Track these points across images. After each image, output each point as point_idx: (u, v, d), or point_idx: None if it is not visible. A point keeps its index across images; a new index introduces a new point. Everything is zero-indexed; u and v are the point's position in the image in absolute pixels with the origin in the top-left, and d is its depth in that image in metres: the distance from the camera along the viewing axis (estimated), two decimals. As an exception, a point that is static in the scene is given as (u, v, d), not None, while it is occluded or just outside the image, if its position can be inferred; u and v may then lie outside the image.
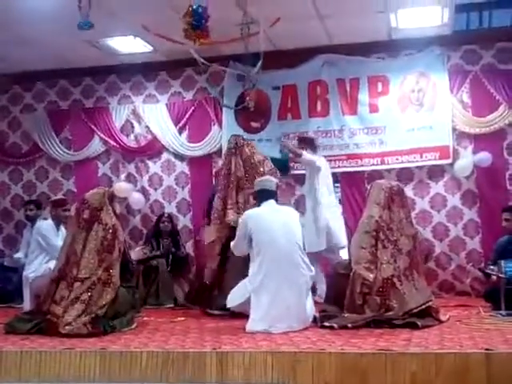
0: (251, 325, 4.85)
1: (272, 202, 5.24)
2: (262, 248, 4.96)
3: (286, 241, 4.99)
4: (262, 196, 5.27)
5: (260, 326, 4.79)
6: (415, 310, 4.96)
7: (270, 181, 5.44)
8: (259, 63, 6.45)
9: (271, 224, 5.05)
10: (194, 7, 5.71)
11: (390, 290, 5.01)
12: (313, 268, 5.18)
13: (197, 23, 5.56)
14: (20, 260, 7.30)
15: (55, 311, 4.90)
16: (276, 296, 4.84)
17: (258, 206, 5.28)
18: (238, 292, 5.12)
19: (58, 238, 6.51)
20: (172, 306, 6.95)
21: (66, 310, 4.85)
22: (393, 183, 5.66)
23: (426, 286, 5.37)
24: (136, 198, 8.32)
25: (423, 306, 5.02)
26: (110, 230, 5.12)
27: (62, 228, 6.72)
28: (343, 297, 5.13)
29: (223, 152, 7.44)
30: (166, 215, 7.83)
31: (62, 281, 5.02)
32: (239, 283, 5.15)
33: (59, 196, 7.81)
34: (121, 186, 8.29)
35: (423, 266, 5.41)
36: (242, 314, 5.17)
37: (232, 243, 5.37)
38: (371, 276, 5.05)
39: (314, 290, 5.62)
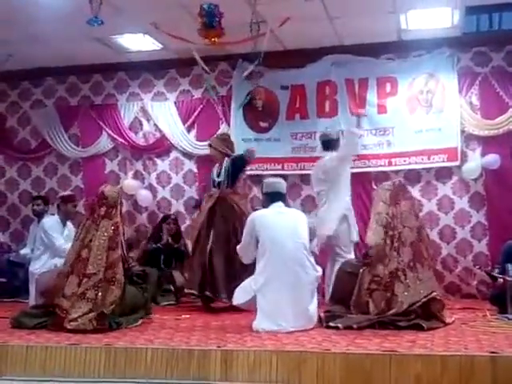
0: (257, 323, 4.85)
1: (280, 204, 5.20)
2: (267, 248, 4.95)
3: (291, 241, 4.97)
4: (272, 198, 5.23)
5: (266, 325, 4.78)
6: (418, 304, 4.96)
7: (280, 183, 5.40)
8: (255, 62, 6.47)
9: (277, 224, 5.04)
10: (205, 7, 5.75)
11: (394, 283, 5.02)
12: (319, 268, 5.18)
13: (210, 22, 5.59)
14: (26, 255, 7.34)
15: (63, 305, 4.90)
16: (281, 295, 4.83)
17: (266, 207, 5.25)
18: (242, 290, 5.11)
19: (63, 235, 6.55)
20: (173, 302, 6.91)
21: (73, 306, 4.86)
22: (393, 180, 5.77)
23: (432, 277, 5.30)
24: (143, 195, 8.34)
25: (425, 299, 5.00)
26: (113, 227, 5.16)
27: (69, 224, 6.76)
28: (349, 296, 5.13)
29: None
30: (172, 217, 7.76)
31: (72, 275, 5.02)
32: (244, 281, 5.15)
33: (68, 192, 7.86)
34: (129, 183, 8.35)
35: (429, 258, 5.40)
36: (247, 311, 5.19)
37: (238, 247, 5.34)
38: (381, 271, 5.07)
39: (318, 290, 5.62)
